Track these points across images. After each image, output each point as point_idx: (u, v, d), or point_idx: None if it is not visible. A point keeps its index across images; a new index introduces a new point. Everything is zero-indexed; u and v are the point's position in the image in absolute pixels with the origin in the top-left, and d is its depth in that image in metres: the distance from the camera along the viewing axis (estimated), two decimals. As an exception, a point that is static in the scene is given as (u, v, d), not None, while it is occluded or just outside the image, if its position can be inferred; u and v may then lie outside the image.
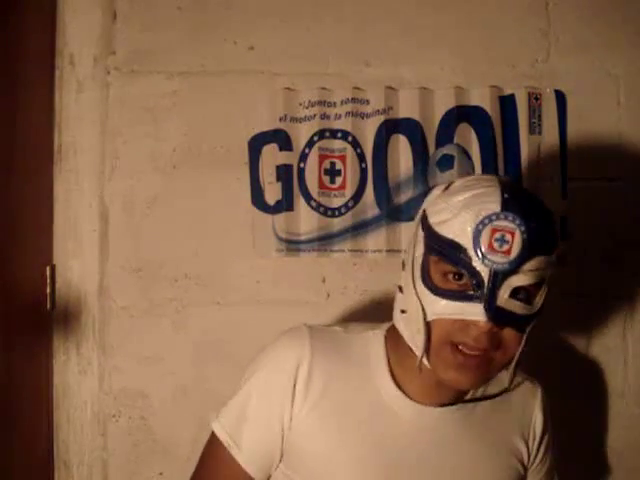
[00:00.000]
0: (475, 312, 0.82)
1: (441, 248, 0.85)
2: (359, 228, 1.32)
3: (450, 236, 0.84)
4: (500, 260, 0.81)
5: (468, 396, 0.96)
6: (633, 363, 1.37)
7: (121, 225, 1.34)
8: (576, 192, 1.36)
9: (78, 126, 1.34)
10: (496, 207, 0.83)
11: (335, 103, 1.34)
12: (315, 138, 1.33)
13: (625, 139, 1.38)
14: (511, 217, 0.82)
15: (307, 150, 1.33)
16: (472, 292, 0.83)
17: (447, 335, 0.85)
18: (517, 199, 0.85)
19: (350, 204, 1.33)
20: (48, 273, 1.30)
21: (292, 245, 1.33)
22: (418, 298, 0.86)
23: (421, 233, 0.89)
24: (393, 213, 1.33)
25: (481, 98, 1.34)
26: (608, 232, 1.37)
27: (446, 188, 0.91)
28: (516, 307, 0.83)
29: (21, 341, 1.20)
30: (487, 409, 0.97)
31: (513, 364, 0.88)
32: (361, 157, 1.33)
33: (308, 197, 1.33)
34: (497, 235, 0.81)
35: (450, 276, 0.85)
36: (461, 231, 0.83)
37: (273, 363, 0.94)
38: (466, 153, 1.33)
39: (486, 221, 0.82)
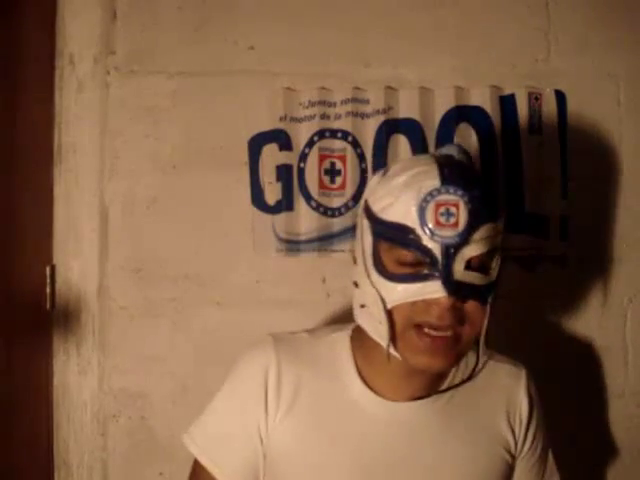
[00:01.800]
0: (434, 290, 0.81)
1: (389, 234, 0.84)
2: (359, 228, 1.32)
3: (396, 220, 0.84)
4: (449, 234, 0.81)
5: (444, 386, 0.94)
6: (633, 363, 1.37)
7: (121, 225, 1.34)
8: (576, 192, 1.37)
9: (78, 126, 1.34)
10: (436, 182, 0.83)
11: (335, 103, 1.34)
12: (315, 138, 1.33)
13: (625, 139, 1.38)
14: (452, 189, 0.82)
15: (307, 150, 1.33)
16: (427, 271, 0.82)
17: (410, 319, 0.84)
18: (455, 172, 0.85)
19: (350, 204, 1.33)
20: (48, 273, 1.30)
21: (292, 245, 1.33)
22: (375, 288, 0.85)
23: (366, 223, 0.88)
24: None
25: (481, 98, 1.35)
26: (608, 232, 1.37)
27: (384, 174, 0.90)
28: (474, 278, 0.83)
29: (21, 341, 1.20)
30: (467, 397, 0.95)
31: (482, 338, 0.87)
32: (361, 157, 1.33)
33: (308, 197, 1.33)
34: (442, 209, 0.81)
35: (402, 259, 0.84)
36: (405, 212, 0.83)
37: (242, 376, 0.94)
38: (466, 153, 1.33)
39: (429, 197, 0.82)
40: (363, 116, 1.34)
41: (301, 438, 0.91)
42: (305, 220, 1.33)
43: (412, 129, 1.33)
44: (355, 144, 1.33)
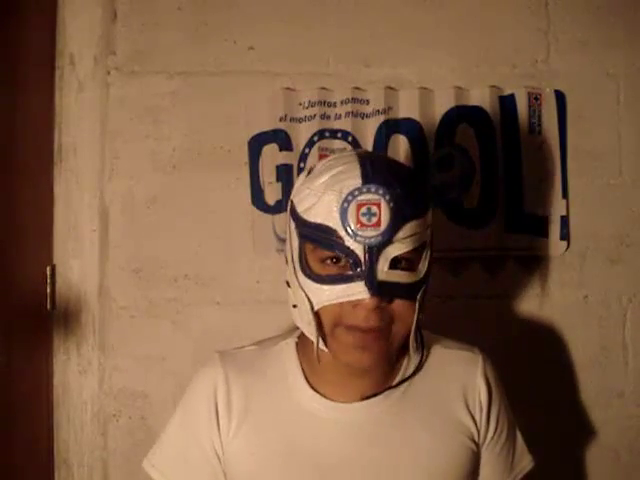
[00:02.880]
0: (358, 291, 0.81)
1: (313, 235, 0.84)
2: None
3: (318, 221, 0.83)
4: (371, 234, 0.80)
5: (395, 381, 0.93)
6: (633, 363, 1.37)
7: (121, 225, 1.34)
8: (576, 192, 1.37)
9: (78, 126, 1.34)
10: (357, 182, 0.81)
11: (335, 103, 1.34)
12: (315, 138, 1.33)
13: (625, 139, 1.38)
14: (374, 188, 0.80)
15: (307, 150, 1.33)
16: (351, 272, 0.81)
17: (337, 321, 0.84)
18: (377, 169, 0.83)
19: (350, 204, 1.33)
20: (48, 273, 1.30)
21: (292, 245, 1.33)
22: (302, 290, 0.85)
23: (293, 224, 0.88)
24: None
25: (481, 98, 1.35)
26: (608, 232, 1.37)
27: (308, 173, 0.90)
28: (399, 277, 0.82)
29: (21, 341, 1.20)
30: (422, 390, 0.93)
31: (412, 334, 0.86)
32: (361, 157, 1.33)
33: (308, 197, 1.32)
34: (363, 209, 0.80)
35: (328, 261, 0.83)
36: (328, 213, 0.82)
37: (192, 397, 0.95)
38: (466, 153, 1.33)
39: (350, 198, 0.81)
40: (363, 116, 1.34)
41: (256, 450, 0.91)
42: (305, 220, 1.33)
43: (412, 129, 1.33)
44: (355, 144, 1.33)
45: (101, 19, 1.34)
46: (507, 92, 1.36)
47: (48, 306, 1.30)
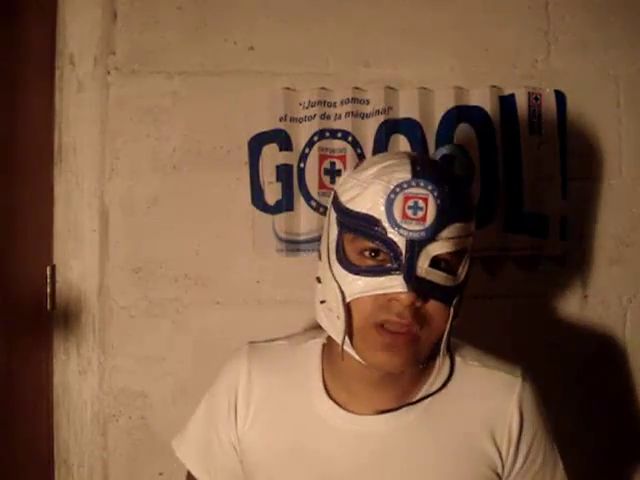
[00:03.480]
0: (395, 284, 0.78)
1: (355, 224, 0.81)
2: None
3: (363, 210, 0.81)
4: (416, 228, 0.78)
5: (417, 397, 0.89)
6: (633, 362, 1.37)
7: (121, 225, 1.34)
8: (576, 192, 1.37)
9: (78, 126, 1.34)
10: (407, 175, 0.80)
11: (335, 103, 1.34)
12: (315, 138, 1.33)
13: (625, 139, 1.38)
14: (423, 183, 0.79)
15: (307, 150, 1.33)
16: (390, 265, 0.79)
17: (369, 316, 0.81)
18: (427, 167, 0.82)
19: (350, 204, 1.33)
20: (48, 273, 1.30)
21: (292, 245, 1.33)
22: (336, 281, 0.82)
23: (334, 215, 0.86)
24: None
25: (481, 98, 1.35)
26: (608, 232, 1.37)
27: (355, 168, 0.88)
28: (438, 277, 0.79)
29: (21, 341, 1.20)
30: (445, 410, 0.89)
31: (444, 342, 0.83)
32: (361, 157, 1.33)
33: (308, 197, 1.33)
34: (410, 202, 0.78)
35: (367, 252, 0.81)
36: (373, 203, 0.80)
37: (216, 389, 0.98)
38: (466, 153, 1.33)
39: (397, 189, 0.79)
40: (363, 116, 1.34)
41: (266, 446, 0.91)
42: (305, 220, 1.33)
43: (412, 129, 1.33)
44: (355, 144, 1.33)
45: (101, 19, 1.34)
46: (507, 92, 1.36)
47: (48, 306, 1.30)
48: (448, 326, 0.82)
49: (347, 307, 0.82)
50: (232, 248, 1.34)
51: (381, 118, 1.33)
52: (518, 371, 0.93)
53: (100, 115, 1.34)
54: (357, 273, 0.81)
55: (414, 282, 0.78)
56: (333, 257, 0.84)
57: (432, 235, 0.78)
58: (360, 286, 0.80)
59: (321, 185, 1.33)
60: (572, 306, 1.36)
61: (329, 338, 0.90)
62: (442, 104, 1.34)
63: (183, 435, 1.00)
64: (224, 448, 0.95)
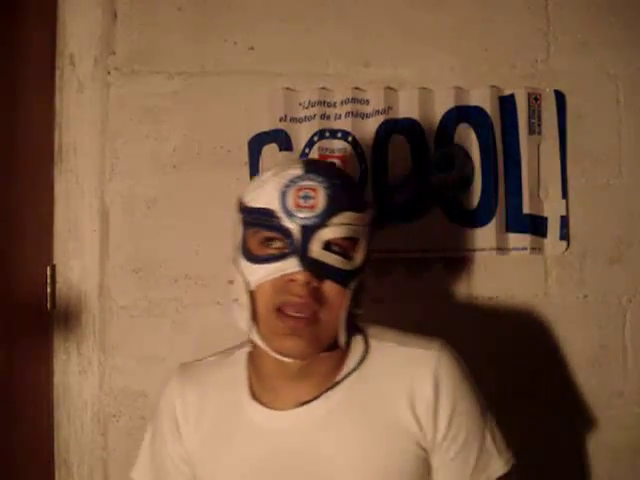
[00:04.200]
0: (291, 266, 0.85)
1: (255, 219, 0.89)
2: (359, 228, 1.32)
3: (261, 205, 0.89)
4: (307, 215, 0.85)
5: (333, 382, 0.92)
6: (632, 363, 1.37)
7: (121, 225, 1.34)
8: (576, 192, 1.37)
9: (78, 126, 1.34)
10: (298, 171, 0.88)
11: (335, 103, 1.34)
12: (315, 138, 1.33)
13: (625, 139, 1.38)
14: (313, 176, 0.87)
15: (307, 150, 1.33)
16: (286, 250, 0.86)
17: (270, 300, 0.87)
18: (318, 165, 0.94)
19: (350, 204, 1.33)
20: (48, 273, 1.30)
21: (292, 245, 1.33)
22: (242, 275, 0.89)
23: (238, 218, 0.93)
24: (392, 213, 1.33)
25: (481, 98, 1.35)
26: (608, 232, 1.37)
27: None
28: (331, 259, 0.86)
29: (21, 341, 1.20)
30: (364, 392, 0.91)
31: (342, 322, 0.88)
32: (361, 157, 1.33)
33: (308, 197, 1.32)
34: (302, 193, 0.86)
35: (266, 242, 0.88)
36: (270, 197, 0.88)
37: (157, 415, 1.01)
38: (466, 153, 1.33)
39: (290, 183, 0.87)
40: (363, 116, 1.34)
41: (209, 458, 0.95)
42: (305, 220, 1.33)
43: (412, 129, 1.33)
44: (355, 144, 1.33)
45: (101, 19, 1.35)
46: (507, 92, 1.36)
47: (48, 306, 1.30)
48: (345, 306, 0.87)
49: (251, 295, 0.88)
50: (232, 248, 1.34)
51: (381, 118, 1.33)
52: (434, 345, 0.94)
53: (100, 115, 1.34)
54: (258, 262, 0.88)
55: (308, 262, 0.85)
56: (239, 254, 0.92)
57: (322, 220, 0.86)
58: (261, 273, 0.87)
59: (321, 185, 1.33)
60: (572, 306, 1.36)
61: (254, 345, 0.95)
62: (442, 104, 1.34)
63: (138, 464, 1.04)
64: (177, 466, 0.98)
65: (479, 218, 1.33)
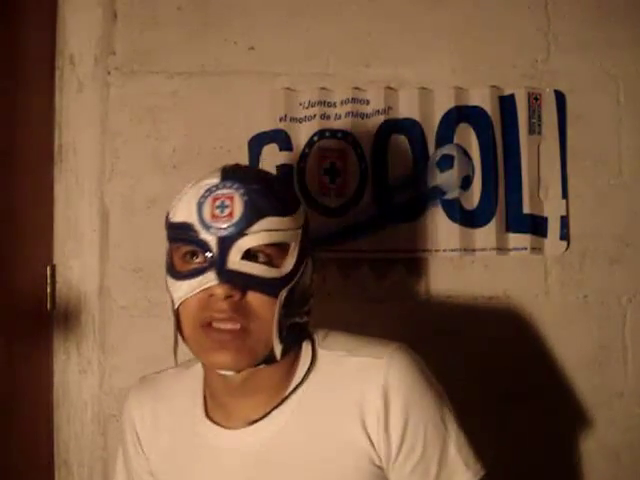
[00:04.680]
0: (209, 279, 0.81)
1: (176, 234, 0.87)
2: (359, 228, 1.32)
3: (180, 219, 0.86)
4: (224, 225, 0.82)
5: (280, 398, 0.88)
6: (633, 363, 1.37)
7: (121, 225, 1.34)
8: (576, 192, 1.37)
9: (78, 126, 1.34)
10: (215, 180, 0.85)
11: (335, 103, 1.34)
12: (315, 138, 1.33)
13: (625, 139, 1.38)
14: (229, 184, 0.84)
15: (307, 150, 1.33)
16: (205, 264, 0.83)
17: (195, 317, 0.84)
18: (237, 171, 0.87)
19: (350, 204, 1.33)
20: (48, 273, 1.30)
21: (292, 245, 1.32)
22: (169, 292, 0.87)
23: (165, 235, 0.91)
24: (393, 213, 1.33)
25: (481, 98, 1.35)
26: (608, 232, 1.37)
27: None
28: (253, 269, 0.82)
29: (21, 341, 1.20)
30: (313, 407, 0.87)
31: (274, 333, 0.82)
32: (361, 157, 1.33)
33: (308, 197, 1.32)
34: (217, 202, 0.83)
35: (187, 257, 0.85)
36: (188, 211, 0.85)
37: (123, 433, 1.01)
38: (466, 153, 1.33)
39: (207, 194, 0.84)
40: (363, 116, 1.34)
41: (169, 472, 0.93)
42: (305, 220, 1.33)
43: (412, 129, 1.33)
44: (355, 144, 1.33)
45: (101, 19, 1.34)
46: (507, 92, 1.36)
47: (48, 306, 1.30)
48: (276, 317, 0.82)
49: (177, 314, 0.86)
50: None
51: (381, 118, 1.33)
52: (385, 353, 0.87)
53: (100, 115, 1.34)
54: (181, 278, 0.85)
55: (226, 275, 0.81)
56: (166, 271, 0.89)
57: (240, 230, 0.82)
58: (184, 289, 0.84)
59: (321, 185, 1.33)
60: (572, 306, 1.36)
61: None
62: (442, 104, 1.34)
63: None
64: (145, 479, 0.97)
65: (479, 218, 1.33)
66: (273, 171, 1.33)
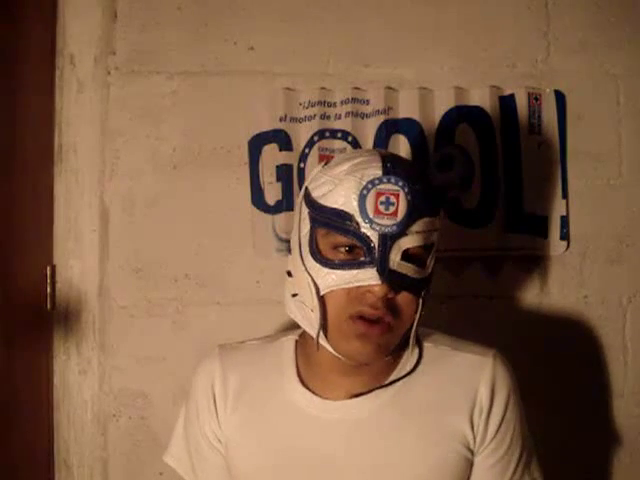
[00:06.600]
0: (369, 277, 0.81)
1: (328, 220, 0.84)
2: (359, 228, 1.32)
3: (335, 206, 0.83)
4: (388, 222, 0.81)
5: (387, 381, 0.91)
6: (633, 363, 1.37)
7: (121, 225, 1.34)
8: (576, 192, 1.37)
9: (78, 126, 1.34)
10: (378, 172, 0.83)
11: (335, 103, 1.34)
12: (315, 138, 1.33)
13: (625, 139, 1.38)
14: (394, 180, 0.82)
15: (307, 150, 1.33)
16: (364, 258, 0.82)
17: (344, 308, 0.83)
18: (398, 164, 0.85)
19: (350, 204, 1.33)
20: (48, 273, 1.30)
21: (292, 245, 1.33)
22: (309, 274, 0.85)
23: (305, 210, 0.88)
24: (393, 213, 1.32)
25: (481, 98, 1.35)
26: (608, 232, 1.37)
27: (326, 164, 0.91)
28: (409, 270, 0.83)
29: (21, 341, 1.20)
30: (417, 392, 0.91)
31: (413, 332, 0.86)
32: (361, 157, 1.33)
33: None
34: (382, 198, 0.81)
35: (340, 248, 0.84)
36: (346, 199, 0.83)
37: (193, 391, 0.99)
38: (466, 153, 1.33)
39: (370, 186, 0.82)
40: (363, 116, 1.34)
41: (246, 441, 0.93)
42: (305, 220, 1.33)
43: (412, 129, 1.33)
44: (355, 144, 1.33)
45: (101, 19, 1.34)
46: (507, 92, 1.36)
47: (48, 306, 1.30)
48: (417, 316, 0.85)
49: (321, 300, 0.84)
50: (232, 248, 1.34)
51: (381, 118, 1.33)
52: (492, 353, 0.95)
53: (100, 115, 1.34)
54: (331, 267, 0.83)
55: (387, 274, 0.81)
56: (306, 251, 0.86)
57: (403, 229, 0.82)
58: (334, 279, 0.83)
59: (321, 185, 1.33)
60: (572, 306, 1.36)
61: (302, 334, 0.94)
62: (442, 104, 1.34)
63: (171, 448, 1.03)
64: (211, 445, 0.97)
65: (479, 218, 1.33)
66: (273, 171, 1.33)
